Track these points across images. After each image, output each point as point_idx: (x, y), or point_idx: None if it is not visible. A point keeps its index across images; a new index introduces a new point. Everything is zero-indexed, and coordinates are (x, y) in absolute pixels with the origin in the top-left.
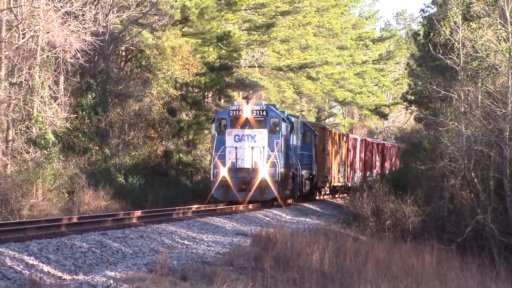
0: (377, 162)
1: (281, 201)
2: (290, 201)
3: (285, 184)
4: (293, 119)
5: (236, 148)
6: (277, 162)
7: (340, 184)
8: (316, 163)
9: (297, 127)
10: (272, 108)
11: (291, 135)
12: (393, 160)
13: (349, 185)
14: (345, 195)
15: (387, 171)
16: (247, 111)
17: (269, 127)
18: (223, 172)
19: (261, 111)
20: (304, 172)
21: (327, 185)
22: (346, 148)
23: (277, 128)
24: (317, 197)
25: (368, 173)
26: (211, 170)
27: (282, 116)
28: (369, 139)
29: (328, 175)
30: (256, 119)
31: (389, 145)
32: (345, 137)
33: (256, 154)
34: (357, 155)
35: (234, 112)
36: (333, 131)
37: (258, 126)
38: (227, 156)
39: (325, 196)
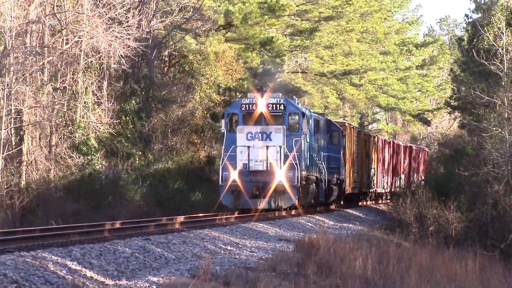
0: (418, 167)
1: (301, 209)
2: (333, 206)
3: (306, 190)
4: (317, 115)
5: (248, 147)
6: (296, 164)
7: (383, 191)
8: (347, 167)
9: (322, 125)
10: (291, 102)
11: (315, 134)
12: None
13: (392, 190)
14: (387, 200)
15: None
16: (262, 104)
17: (287, 124)
18: (233, 175)
19: (278, 105)
20: (330, 176)
21: (371, 191)
22: (389, 153)
23: (297, 125)
24: (360, 203)
25: (411, 178)
26: (219, 173)
27: (302, 111)
28: (413, 146)
29: (372, 181)
30: (273, 114)
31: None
32: (387, 143)
33: (271, 154)
34: (401, 161)
35: (247, 106)
36: (376, 137)
37: (275, 122)
38: (238, 157)
39: (368, 202)
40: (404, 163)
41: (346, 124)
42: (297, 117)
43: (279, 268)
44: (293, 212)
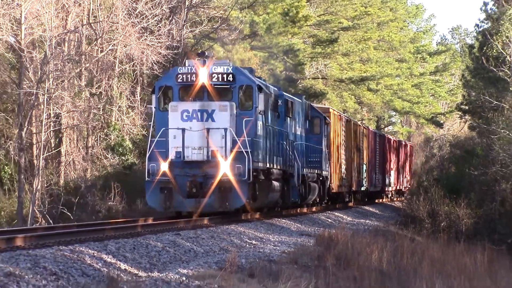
0: (405, 162)
1: (252, 212)
2: (351, 204)
3: (265, 187)
4: (290, 96)
5: (183, 130)
6: (247, 152)
7: (376, 189)
8: (332, 161)
9: (298, 109)
10: (243, 72)
11: (285, 117)
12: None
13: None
14: (381, 200)
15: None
16: (204, 75)
17: (237, 100)
18: (163, 167)
19: (225, 75)
20: (308, 171)
21: (363, 190)
22: (381, 148)
23: (250, 102)
24: (376, 201)
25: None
26: (146, 165)
27: (258, 83)
28: (401, 140)
29: (364, 179)
30: (218, 88)
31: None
32: (379, 136)
33: (214, 139)
34: (391, 156)
35: (184, 76)
36: (368, 129)
37: (221, 98)
38: (170, 144)
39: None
40: (394, 158)
41: (331, 110)
42: (250, 91)
43: (301, 261)
44: (313, 209)
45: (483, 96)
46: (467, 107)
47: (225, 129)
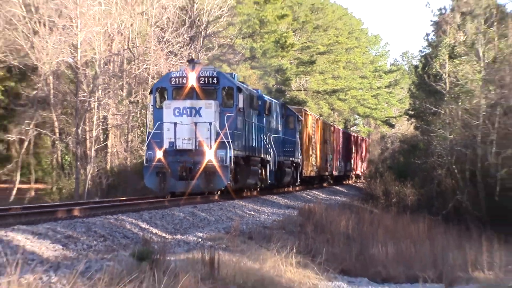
0: (362, 153)
1: (233, 192)
2: (325, 184)
3: (244, 171)
4: (269, 98)
5: (175, 124)
6: (228, 142)
7: (339, 174)
8: (304, 151)
9: (275, 108)
10: (226, 76)
11: (265, 115)
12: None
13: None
14: (345, 182)
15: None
16: (193, 78)
17: (220, 99)
18: (159, 155)
19: (210, 78)
20: (284, 159)
21: (328, 175)
22: (343, 141)
23: (231, 100)
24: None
25: (358, 162)
26: (145, 153)
27: (238, 85)
28: (358, 136)
29: (330, 165)
30: (205, 89)
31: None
32: (342, 132)
33: (201, 131)
34: (352, 148)
35: (177, 79)
36: (333, 126)
37: (207, 97)
38: (165, 135)
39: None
40: (353, 149)
41: (303, 110)
42: (231, 92)
43: (287, 227)
44: (297, 188)
45: (424, 104)
46: (412, 112)
47: (210, 123)
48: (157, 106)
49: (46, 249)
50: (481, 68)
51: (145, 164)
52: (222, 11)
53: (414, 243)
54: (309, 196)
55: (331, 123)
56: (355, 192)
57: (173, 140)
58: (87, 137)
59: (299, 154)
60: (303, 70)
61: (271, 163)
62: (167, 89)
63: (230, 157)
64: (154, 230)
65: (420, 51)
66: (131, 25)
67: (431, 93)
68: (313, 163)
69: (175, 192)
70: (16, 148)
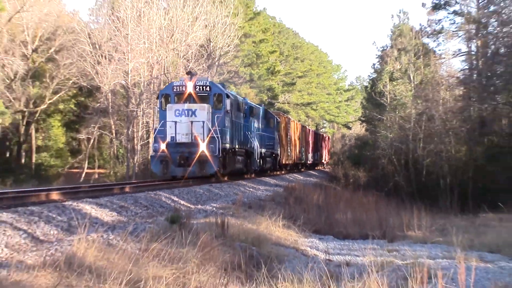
0: (325, 147)
1: (221, 176)
2: (302, 169)
3: (231, 160)
4: (254, 104)
5: (175, 122)
6: (217, 137)
7: (310, 162)
8: (282, 145)
9: (258, 112)
10: (216, 85)
11: (250, 117)
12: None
13: (314, 162)
14: (316, 168)
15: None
16: (190, 86)
17: (212, 103)
18: (162, 146)
19: (204, 87)
20: (265, 150)
21: (302, 162)
22: (312, 138)
23: (220, 104)
24: (302, 169)
25: (323, 153)
26: (151, 145)
27: (226, 92)
28: (323, 134)
29: (303, 156)
30: (199, 95)
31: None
32: (311, 131)
33: (196, 128)
34: (318, 143)
35: (178, 87)
36: (306, 127)
37: (201, 102)
38: (167, 131)
39: (303, 169)
40: (319, 144)
41: (281, 114)
42: (221, 98)
43: (276, 200)
44: (283, 172)
45: (372, 113)
46: (364, 119)
47: (203, 122)
48: (162, 108)
49: (106, 215)
50: (412, 88)
51: (151, 154)
52: (230, 47)
53: (365, 211)
54: (291, 178)
55: (306, 125)
56: (324, 175)
57: (174, 135)
58: (135, 136)
59: (278, 147)
60: (287, 89)
61: (255, 154)
62: (170, 95)
63: (219, 148)
64: (182, 202)
65: (369, 75)
66: (166, 57)
67: (377, 105)
68: (290, 154)
69: (175, 176)
70: (84, 144)
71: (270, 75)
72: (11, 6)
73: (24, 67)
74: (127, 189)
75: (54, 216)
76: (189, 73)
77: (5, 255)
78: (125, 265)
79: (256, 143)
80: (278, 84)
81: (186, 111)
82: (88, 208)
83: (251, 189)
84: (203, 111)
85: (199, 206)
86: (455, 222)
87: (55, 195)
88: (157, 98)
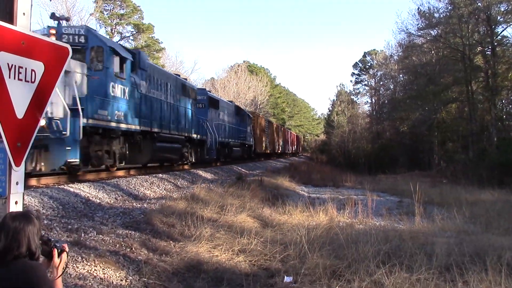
0: (294, 142)
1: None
2: (274, 157)
3: (163, 148)
4: (227, 102)
5: None
6: (81, 109)
7: (280, 152)
8: (256, 137)
9: (229, 108)
10: (96, 34)
11: (206, 106)
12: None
13: (285, 152)
14: (286, 157)
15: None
16: (55, 35)
17: (88, 60)
18: None
19: (77, 36)
20: (232, 141)
21: (276, 152)
22: (284, 134)
23: (101, 64)
24: (272, 158)
25: (293, 146)
26: None
27: (112, 45)
28: (293, 132)
29: (276, 147)
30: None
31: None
32: (284, 129)
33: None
34: (289, 138)
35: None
36: (281, 126)
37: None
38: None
39: (275, 157)
40: (290, 139)
41: (256, 112)
42: (101, 52)
43: (285, 168)
44: (275, 157)
45: (328, 129)
46: (325, 132)
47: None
48: None
49: (209, 175)
50: (346, 118)
51: None
52: (264, 100)
53: (326, 173)
54: (290, 159)
55: (282, 126)
56: (305, 159)
57: None
58: None
59: (252, 139)
60: (290, 119)
61: (209, 142)
62: None
63: (80, 127)
64: (243, 170)
65: (327, 112)
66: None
67: (331, 126)
68: (266, 145)
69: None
70: None
71: (282, 113)
72: None
73: None
74: (218, 164)
75: (185, 176)
76: (53, 16)
77: (165, 193)
78: (217, 198)
79: (211, 133)
80: (285, 116)
81: None
82: (201, 172)
83: (273, 163)
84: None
85: (250, 172)
86: (366, 178)
87: (186, 166)
88: None
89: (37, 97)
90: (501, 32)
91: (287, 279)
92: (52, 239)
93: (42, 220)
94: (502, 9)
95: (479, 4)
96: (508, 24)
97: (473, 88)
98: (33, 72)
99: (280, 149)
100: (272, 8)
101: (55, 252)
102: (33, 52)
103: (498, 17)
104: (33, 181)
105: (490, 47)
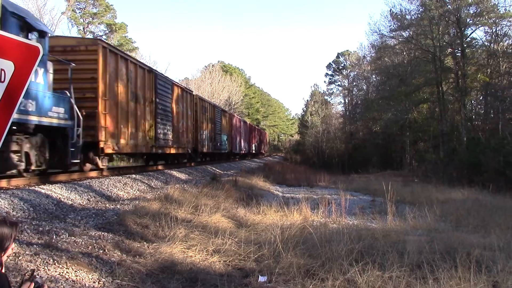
0: (263, 140)
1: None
2: (249, 157)
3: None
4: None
5: None
6: None
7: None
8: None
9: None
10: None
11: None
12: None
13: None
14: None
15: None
16: None
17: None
18: None
19: None
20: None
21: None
22: (257, 133)
23: None
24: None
25: (261, 146)
26: None
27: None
28: (262, 131)
29: (262, 149)
30: None
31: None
32: (256, 128)
33: None
34: (261, 137)
35: None
36: (257, 127)
37: None
38: None
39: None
40: (264, 141)
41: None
42: None
43: (259, 168)
44: (250, 157)
45: (302, 129)
46: (299, 132)
47: None
48: None
49: (183, 176)
50: (320, 118)
51: None
52: (239, 100)
53: (300, 173)
54: (263, 160)
55: (256, 126)
56: (279, 158)
57: None
58: None
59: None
60: (265, 119)
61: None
62: None
63: None
64: (217, 170)
65: (301, 112)
66: None
67: (305, 126)
68: (261, 148)
69: None
70: None
71: (256, 113)
72: None
73: None
74: (192, 164)
75: (159, 176)
76: None
77: (138, 194)
78: (191, 198)
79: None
80: (260, 116)
81: None
82: (174, 172)
83: (247, 163)
84: None
85: (225, 172)
86: (340, 178)
87: (160, 167)
88: None
89: (7, 97)
90: (470, 34)
91: (262, 278)
92: (36, 273)
93: (19, 228)
94: (472, 12)
95: (449, 6)
96: (477, 26)
97: (443, 89)
98: (2, 72)
99: (255, 149)
100: (247, 9)
101: (32, 286)
102: (3, 51)
103: (468, 19)
104: (3, 183)
105: (460, 49)
